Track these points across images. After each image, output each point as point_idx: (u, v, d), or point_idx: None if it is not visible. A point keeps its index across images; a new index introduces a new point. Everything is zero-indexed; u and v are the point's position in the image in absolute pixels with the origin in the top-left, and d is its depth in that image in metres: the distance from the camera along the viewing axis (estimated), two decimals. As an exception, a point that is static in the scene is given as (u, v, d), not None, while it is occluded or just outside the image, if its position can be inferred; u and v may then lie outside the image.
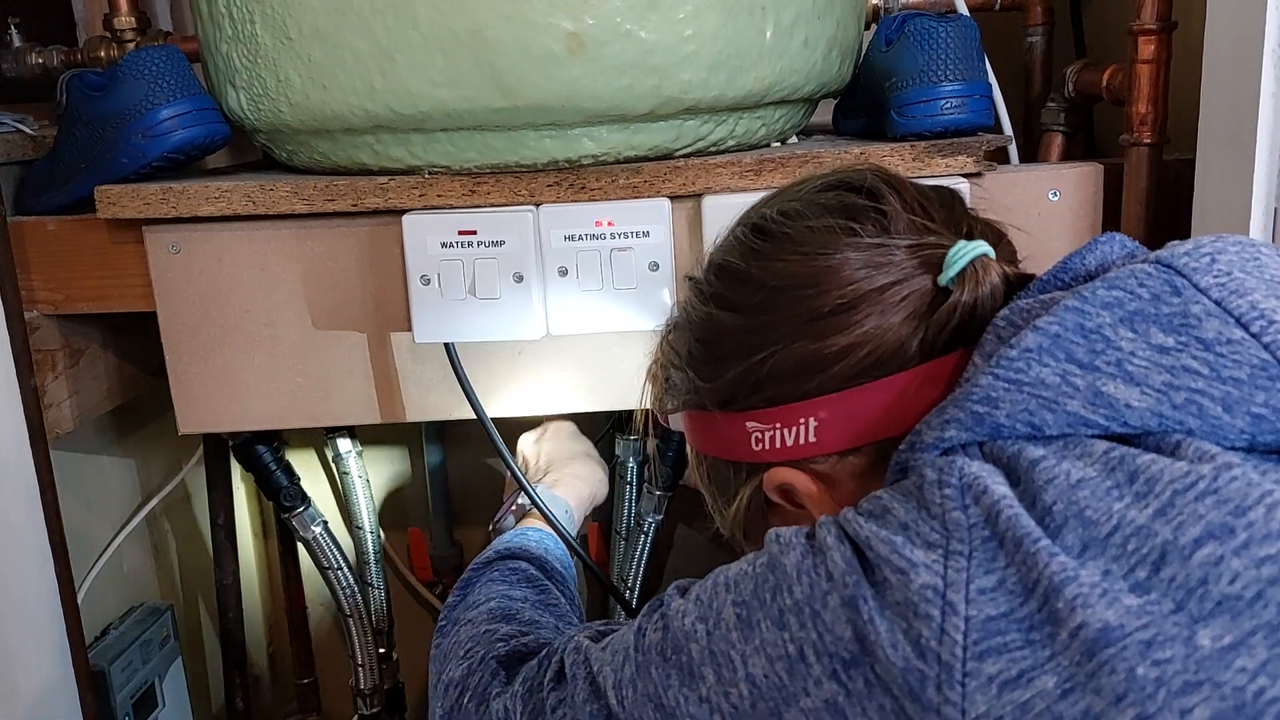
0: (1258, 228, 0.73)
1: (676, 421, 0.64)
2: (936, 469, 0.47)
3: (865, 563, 0.46)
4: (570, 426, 1.03)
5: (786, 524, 0.58)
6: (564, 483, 0.96)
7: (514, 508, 0.95)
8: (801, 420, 0.55)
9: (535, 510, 0.90)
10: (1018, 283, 0.54)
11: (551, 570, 0.82)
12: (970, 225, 0.57)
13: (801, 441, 0.55)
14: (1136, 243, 0.54)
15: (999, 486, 0.45)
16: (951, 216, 0.57)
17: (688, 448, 0.65)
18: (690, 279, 0.62)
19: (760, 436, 0.56)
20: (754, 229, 0.58)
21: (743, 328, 0.56)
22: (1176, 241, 0.51)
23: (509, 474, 0.96)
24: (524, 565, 0.80)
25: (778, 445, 0.56)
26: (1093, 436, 0.46)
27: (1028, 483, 0.45)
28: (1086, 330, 0.47)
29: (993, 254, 0.53)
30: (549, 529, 0.88)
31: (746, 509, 0.60)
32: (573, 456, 0.99)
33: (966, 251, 0.53)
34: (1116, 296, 0.48)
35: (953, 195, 0.59)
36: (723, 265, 0.59)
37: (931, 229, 0.55)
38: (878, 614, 0.44)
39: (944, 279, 0.53)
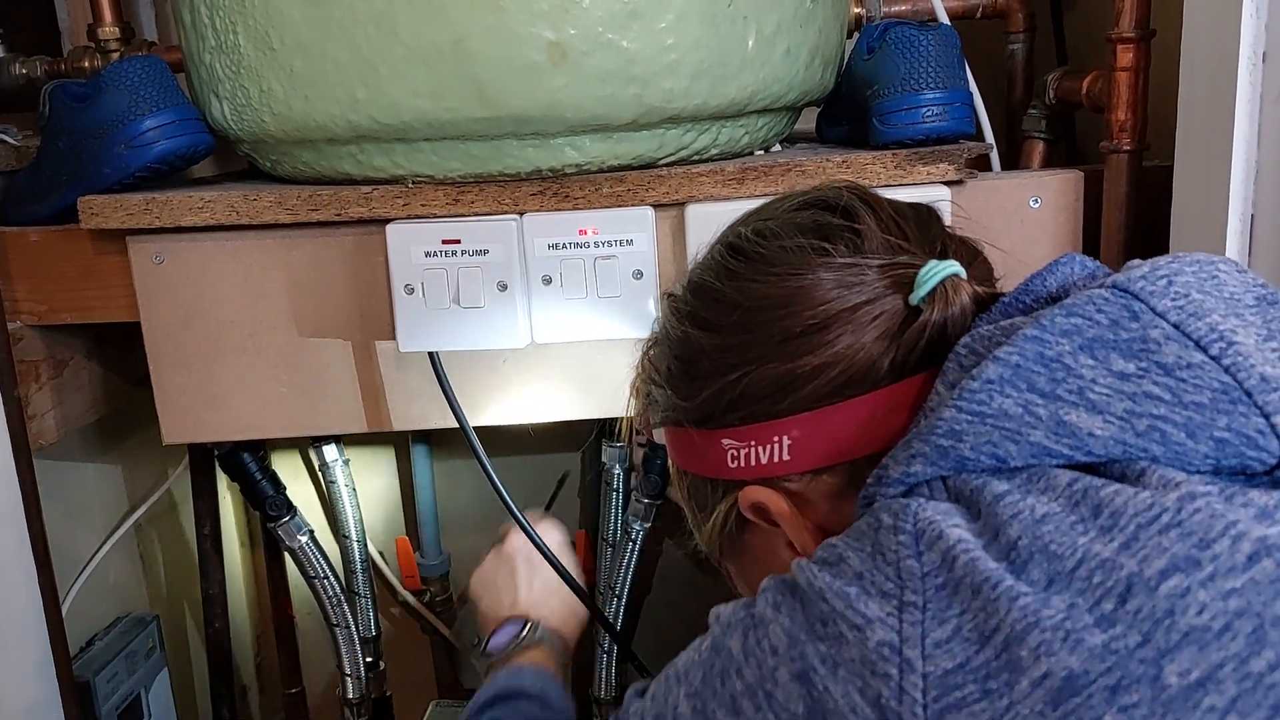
0: (1234, 233, 0.74)
1: (660, 435, 0.64)
2: (892, 514, 0.46)
3: (816, 616, 0.46)
4: (523, 550, 0.93)
5: (761, 542, 0.59)
6: (549, 619, 0.90)
7: (513, 637, 0.88)
8: (775, 439, 0.55)
9: (521, 644, 0.87)
10: (989, 302, 0.54)
11: (553, 708, 0.80)
12: (945, 244, 0.57)
13: (775, 460, 0.55)
14: (1097, 263, 0.55)
15: (955, 530, 0.45)
16: (926, 235, 0.57)
17: (669, 462, 0.65)
18: (669, 296, 0.62)
19: (736, 454, 0.57)
20: (730, 248, 0.59)
21: (718, 347, 0.56)
22: (1135, 262, 0.51)
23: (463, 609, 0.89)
24: (524, 704, 0.79)
25: (752, 463, 0.56)
26: (1057, 466, 0.46)
27: (991, 517, 0.45)
28: (1047, 359, 0.47)
29: (964, 273, 0.54)
30: (541, 665, 0.85)
31: (723, 525, 0.60)
32: (548, 582, 0.92)
33: (937, 271, 0.53)
34: (1075, 324, 0.47)
35: (930, 213, 0.59)
36: (699, 284, 0.59)
37: (905, 248, 0.55)
38: (831, 679, 0.44)
39: (915, 298, 0.53)
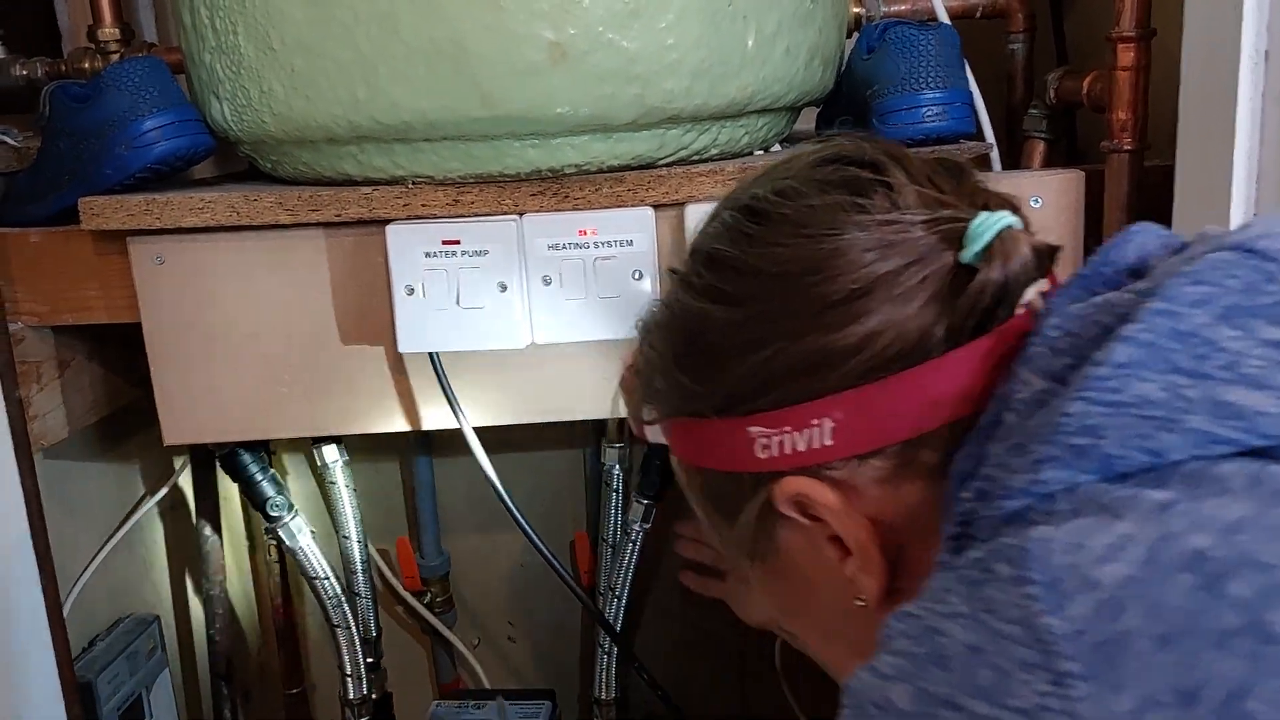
0: (1235, 233, 0.74)
1: (656, 433, 0.58)
2: (1008, 561, 0.38)
3: None
4: None
5: (798, 540, 0.53)
6: None
7: None
8: (815, 422, 0.49)
9: None
10: (1048, 255, 0.49)
11: None
12: (985, 197, 0.52)
13: (815, 446, 0.49)
14: (1169, 231, 0.50)
15: (1109, 570, 0.36)
16: (962, 188, 0.51)
17: (673, 462, 0.58)
18: (674, 272, 0.56)
19: (767, 443, 0.50)
20: (746, 211, 0.52)
21: (741, 322, 0.50)
22: (1214, 229, 0.46)
23: None
24: None
25: (787, 451, 0.50)
26: (1221, 457, 0.39)
27: (1156, 525, 0.37)
28: (1182, 334, 0.41)
29: (1019, 224, 0.48)
30: None
31: (755, 526, 0.54)
32: None
33: (992, 224, 0.47)
34: (1205, 292, 0.41)
35: (959, 167, 0.53)
36: (712, 254, 0.53)
37: (945, 201, 0.49)
38: None
39: (967, 255, 0.47)
